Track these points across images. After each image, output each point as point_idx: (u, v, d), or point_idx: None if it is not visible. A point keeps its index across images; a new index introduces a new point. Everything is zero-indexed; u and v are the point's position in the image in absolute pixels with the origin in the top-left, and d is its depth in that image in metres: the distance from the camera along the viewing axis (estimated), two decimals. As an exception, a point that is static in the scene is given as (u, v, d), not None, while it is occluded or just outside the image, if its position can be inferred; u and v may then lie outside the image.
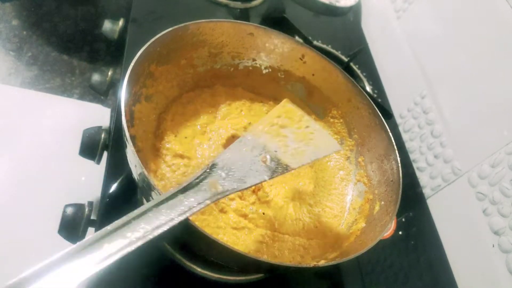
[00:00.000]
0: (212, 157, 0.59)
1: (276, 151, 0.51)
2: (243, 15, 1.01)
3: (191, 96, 0.67)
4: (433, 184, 0.86)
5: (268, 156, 0.50)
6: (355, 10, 1.23)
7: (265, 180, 0.48)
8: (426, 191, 0.87)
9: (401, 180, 0.58)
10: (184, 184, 0.42)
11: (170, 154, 0.58)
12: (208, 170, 0.45)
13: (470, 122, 0.80)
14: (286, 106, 0.57)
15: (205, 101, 0.68)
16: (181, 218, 0.39)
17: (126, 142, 0.46)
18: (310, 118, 0.57)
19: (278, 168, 0.50)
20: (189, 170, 0.57)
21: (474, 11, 0.82)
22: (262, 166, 0.49)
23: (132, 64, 0.53)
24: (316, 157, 0.53)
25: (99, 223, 0.59)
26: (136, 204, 0.64)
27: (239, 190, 0.46)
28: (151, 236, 0.36)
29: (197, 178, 0.44)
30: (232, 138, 0.63)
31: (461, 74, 0.84)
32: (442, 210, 0.83)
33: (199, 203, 0.42)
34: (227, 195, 0.45)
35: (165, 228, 0.38)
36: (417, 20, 1.00)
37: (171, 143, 0.59)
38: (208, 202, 0.42)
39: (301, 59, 0.72)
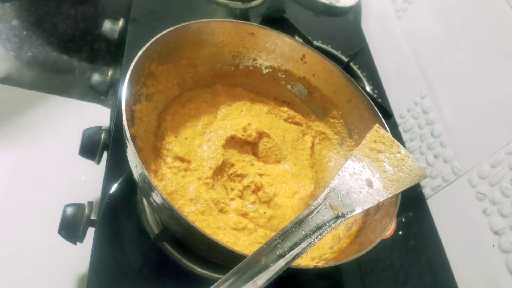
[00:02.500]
0: (211, 158, 0.59)
1: (377, 176, 0.55)
2: (243, 15, 1.01)
3: (192, 95, 0.67)
4: (433, 184, 0.86)
5: (372, 180, 0.54)
6: (355, 10, 1.23)
7: (374, 204, 0.52)
8: (426, 191, 0.87)
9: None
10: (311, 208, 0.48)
11: (171, 156, 0.58)
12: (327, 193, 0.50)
13: (470, 122, 0.80)
14: (378, 131, 0.60)
15: (206, 101, 0.68)
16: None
17: (127, 142, 0.46)
18: (399, 143, 0.60)
19: (380, 192, 0.53)
20: (189, 173, 0.57)
21: (474, 11, 0.82)
22: (369, 190, 0.53)
23: (133, 63, 0.53)
24: (410, 185, 0.56)
25: (99, 223, 0.59)
26: (136, 204, 0.64)
27: (353, 215, 0.51)
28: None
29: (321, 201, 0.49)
30: (231, 139, 0.63)
31: (461, 74, 0.84)
32: (442, 210, 0.83)
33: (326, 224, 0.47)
34: (347, 218, 0.49)
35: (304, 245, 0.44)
36: (417, 20, 1.00)
37: (172, 144, 0.59)
38: (332, 225, 0.48)
39: (302, 59, 0.72)
